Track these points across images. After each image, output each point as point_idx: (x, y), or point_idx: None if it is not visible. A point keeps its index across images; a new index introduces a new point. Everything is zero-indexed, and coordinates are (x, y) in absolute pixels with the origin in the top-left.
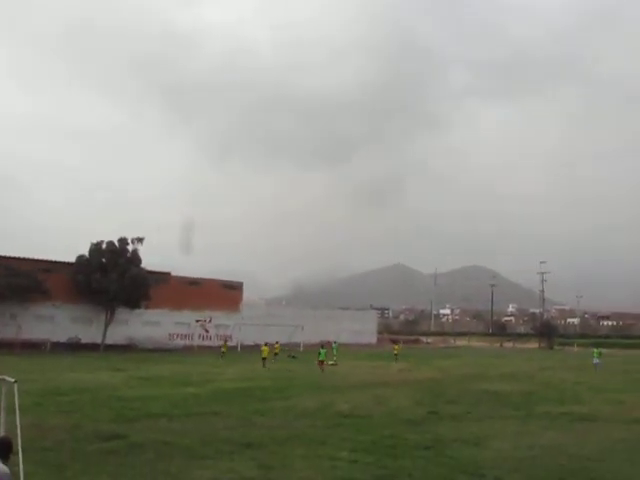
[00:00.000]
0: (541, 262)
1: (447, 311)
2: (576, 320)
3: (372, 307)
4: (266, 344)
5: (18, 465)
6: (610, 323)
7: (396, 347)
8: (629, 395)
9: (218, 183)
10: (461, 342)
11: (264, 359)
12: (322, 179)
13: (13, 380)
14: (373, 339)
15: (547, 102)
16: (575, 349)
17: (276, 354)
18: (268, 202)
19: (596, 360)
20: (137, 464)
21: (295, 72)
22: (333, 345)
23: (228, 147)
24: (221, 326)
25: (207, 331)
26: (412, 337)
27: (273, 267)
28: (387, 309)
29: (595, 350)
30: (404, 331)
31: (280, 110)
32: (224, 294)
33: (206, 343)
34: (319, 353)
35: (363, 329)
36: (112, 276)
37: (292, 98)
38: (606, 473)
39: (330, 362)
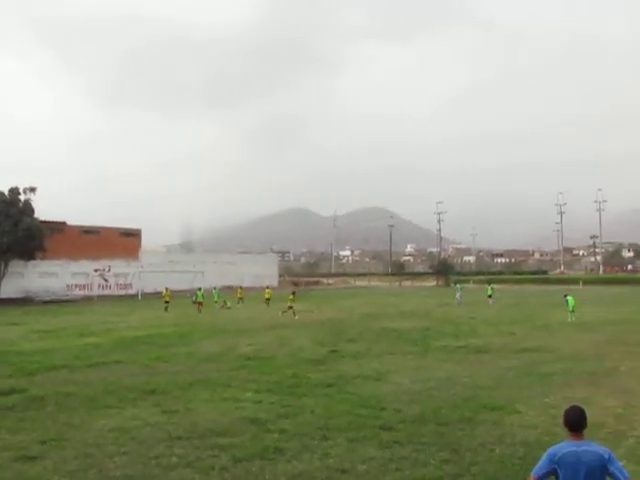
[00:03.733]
0: (438, 202)
1: (347, 252)
2: (472, 258)
3: (272, 251)
4: (167, 289)
5: None
6: (503, 260)
7: (267, 291)
8: (519, 327)
9: (114, 129)
10: (361, 282)
11: (167, 302)
12: (218, 123)
13: None
14: (274, 282)
15: (438, 42)
16: (471, 286)
17: (167, 302)
18: (163, 147)
19: (458, 294)
20: (38, 417)
21: (185, 12)
22: (213, 291)
23: (119, 92)
24: (121, 275)
25: (106, 280)
26: (313, 279)
27: (173, 214)
28: (288, 252)
29: (458, 285)
30: (305, 273)
31: (171, 52)
32: (122, 242)
33: (106, 292)
34: (196, 295)
35: (264, 273)
36: (4, 228)
37: (184, 40)
38: (496, 399)
39: (218, 305)
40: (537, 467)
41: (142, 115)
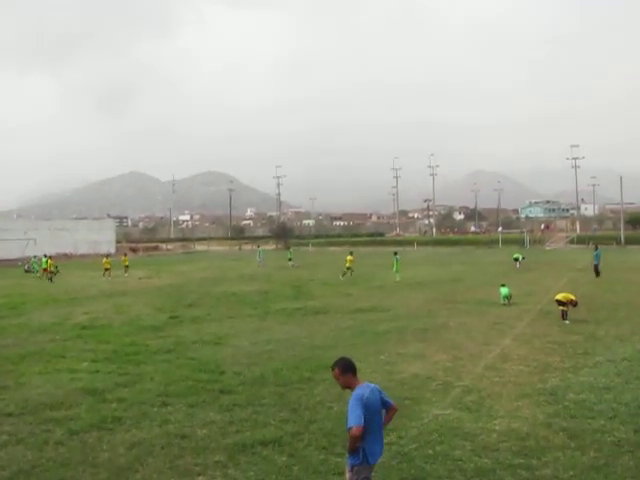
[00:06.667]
0: (277, 166)
1: (186, 217)
2: (311, 221)
3: (109, 216)
4: (50, 257)
5: None
6: (342, 223)
7: (106, 261)
8: (356, 288)
9: None
10: (201, 247)
11: (51, 272)
12: (48, 83)
13: None
14: (112, 249)
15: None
16: (310, 249)
17: (52, 272)
18: None
19: (259, 258)
20: None
21: None
22: (40, 259)
23: None
24: None
25: None
26: (152, 244)
27: (1, 181)
28: (125, 218)
29: (260, 249)
30: (144, 239)
31: None
32: None
33: None
34: (41, 262)
35: (101, 239)
36: None
37: None
38: (334, 357)
39: (38, 274)
40: (356, 415)
41: None
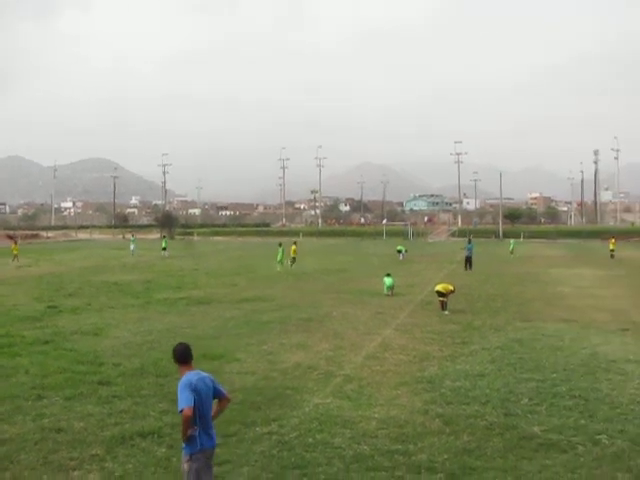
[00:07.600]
0: (163, 154)
1: (69, 204)
2: (197, 211)
3: None
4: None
5: None
6: (228, 213)
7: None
8: (241, 278)
9: None
10: (83, 235)
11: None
12: None
13: None
14: None
15: None
16: (195, 238)
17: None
18: None
19: (132, 246)
20: None
21: None
22: None
23: None
24: None
25: None
26: (31, 232)
27: None
28: (3, 204)
29: (132, 238)
30: (23, 226)
31: None
32: None
33: None
34: None
35: None
36: None
37: None
38: (216, 348)
39: None
40: (185, 399)
41: None
